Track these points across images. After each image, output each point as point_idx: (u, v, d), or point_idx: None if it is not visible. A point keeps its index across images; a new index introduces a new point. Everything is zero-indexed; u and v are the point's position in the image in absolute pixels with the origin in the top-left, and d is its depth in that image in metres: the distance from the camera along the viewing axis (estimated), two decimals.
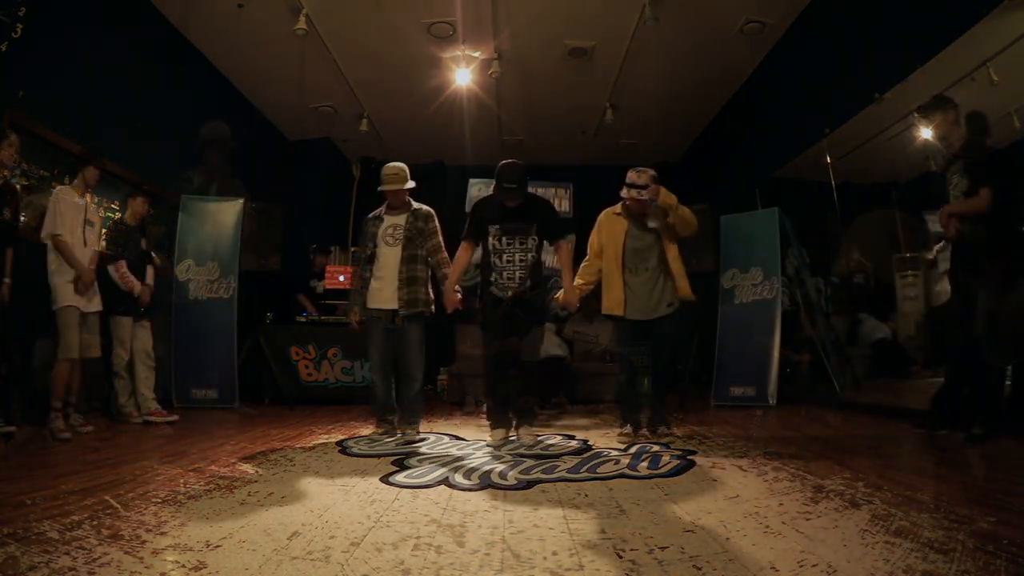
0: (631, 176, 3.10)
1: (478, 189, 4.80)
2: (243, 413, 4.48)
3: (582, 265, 3.30)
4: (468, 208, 4.59)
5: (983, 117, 2.91)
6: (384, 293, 3.22)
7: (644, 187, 3.04)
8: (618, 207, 3.24)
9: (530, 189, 3.13)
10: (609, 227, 3.20)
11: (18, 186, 3.38)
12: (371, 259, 3.28)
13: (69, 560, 1.33)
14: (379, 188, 3.30)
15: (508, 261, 3.09)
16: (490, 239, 3.11)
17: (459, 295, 3.21)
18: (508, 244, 3.09)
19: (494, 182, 3.05)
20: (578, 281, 3.24)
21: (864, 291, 5.56)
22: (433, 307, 3.33)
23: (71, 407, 3.40)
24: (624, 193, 3.12)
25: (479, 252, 3.25)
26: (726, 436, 3.19)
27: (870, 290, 5.53)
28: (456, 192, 4.85)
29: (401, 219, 3.29)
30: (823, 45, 4.65)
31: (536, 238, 3.12)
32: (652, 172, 3.11)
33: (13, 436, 2.94)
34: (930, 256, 4.67)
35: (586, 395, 5.32)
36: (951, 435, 2.86)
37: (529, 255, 3.10)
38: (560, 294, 3.25)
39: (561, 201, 4.85)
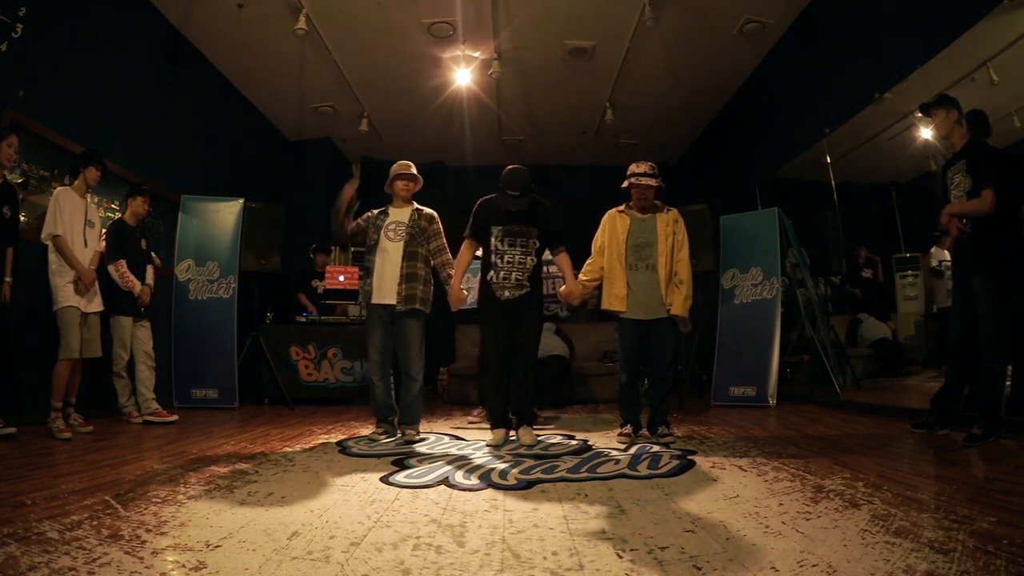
0: (632, 167, 3.16)
1: None
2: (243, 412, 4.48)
3: (586, 263, 3.31)
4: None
5: (985, 116, 2.90)
6: (384, 288, 3.23)
7: (644, 175, 3.08)
8: (622, 206, 3.25)
9: None
10: (612, 224, 3.22)
11: (16, 183, 3.37)
12: (372, 250, 3.30)
13: (69, 560, 1.33)
14: (391, 173, 3.35)
15: (508, 262, 3.10)
16: (492, 239, 3.13)
17: (465, 293, 3.24)
18: (510, 246, 3.10)
19: (499, 186, 3.06)
20: (581, 278, 3.25)
21: (871, 286, 5.56)
22: (428, 309, 3.34)
23: (71, 407, 3.41)
24: (626, 184, 3.14)
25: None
26: (726, 436, 3.19)
27: (878, 285, 5.52)
28: (456, 192, 4.82)
29: (405, 217, 3.31)
30: (823, 45, 4.65)
31: (537, 241, 3.15)
32: (651, 163, 3.16)
33: (14, 436, 2.94)
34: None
35: (586, 395, 5.32)
36: (951, 435, 2.86)
37: (529, 258, 3.12)
38: (563, 287, 3.26)
39: None
